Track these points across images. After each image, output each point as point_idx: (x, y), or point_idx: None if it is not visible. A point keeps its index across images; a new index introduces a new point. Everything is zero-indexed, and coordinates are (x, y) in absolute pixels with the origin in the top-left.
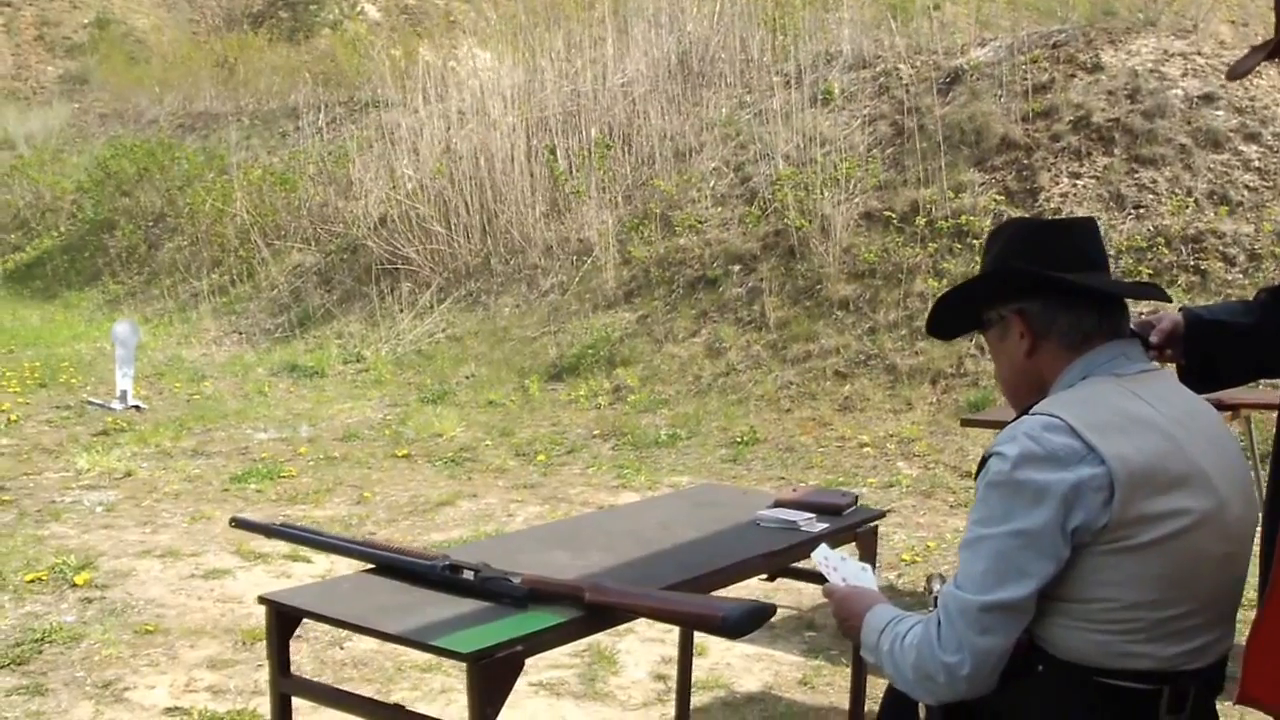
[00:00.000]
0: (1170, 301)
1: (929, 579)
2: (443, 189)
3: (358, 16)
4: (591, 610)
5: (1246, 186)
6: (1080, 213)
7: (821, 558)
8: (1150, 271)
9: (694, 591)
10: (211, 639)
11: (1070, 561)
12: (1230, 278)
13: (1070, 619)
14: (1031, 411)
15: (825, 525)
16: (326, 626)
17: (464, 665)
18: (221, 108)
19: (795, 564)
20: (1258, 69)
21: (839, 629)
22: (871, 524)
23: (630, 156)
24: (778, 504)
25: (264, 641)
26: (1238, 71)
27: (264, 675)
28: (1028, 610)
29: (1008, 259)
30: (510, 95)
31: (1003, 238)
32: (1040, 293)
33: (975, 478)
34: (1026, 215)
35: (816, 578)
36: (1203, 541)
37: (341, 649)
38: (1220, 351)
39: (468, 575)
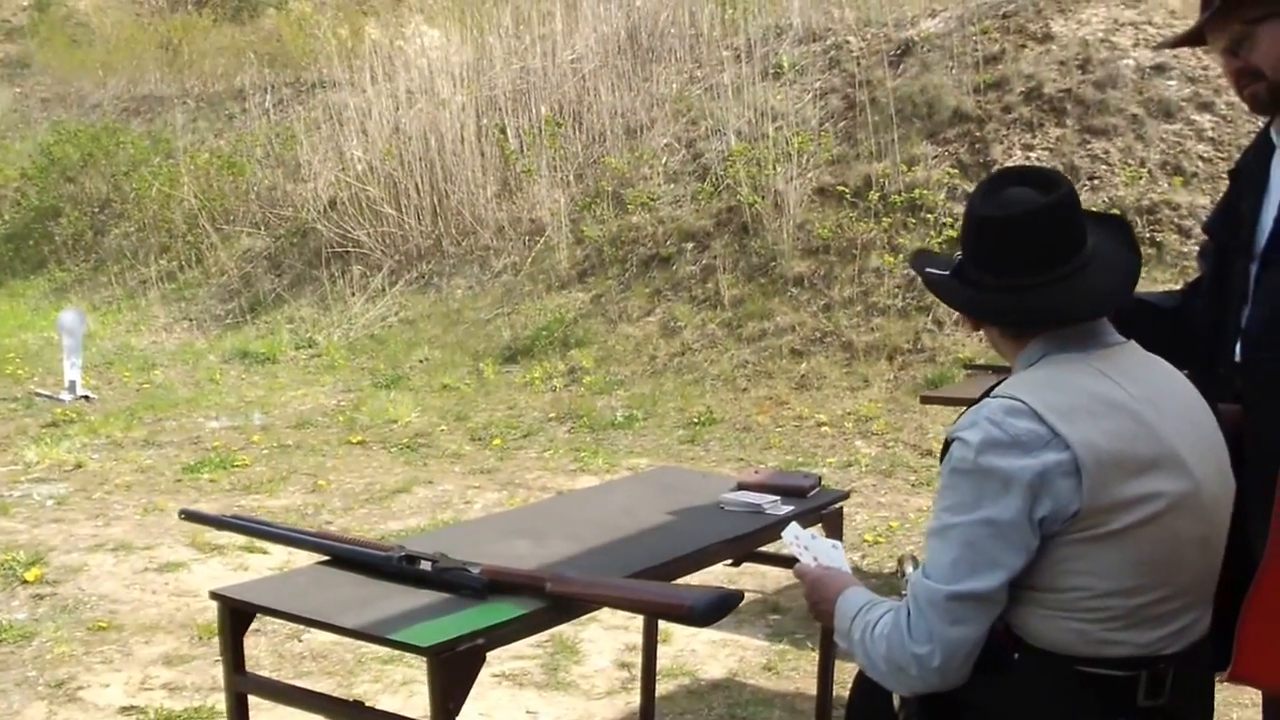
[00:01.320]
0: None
1: (900, 560)
2: (392, 170)
3: None
4: (554, 601)
5: (1200, 157)
6: None
7: (792, 537)
8: None
9: (660, 579)
10: (167, 634)
11: (1042, 550)
12: (1186, 249)
13: (1046, 608)
14: (994, 394)
15: (790, 508)
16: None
17: (424, 659)
18: (166, 90)
19: (761, 548)
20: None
21: (810, 612)
22: (836, 505)
23: (581, 134)
24: (741, 487)
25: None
26: (1165, 45)
27: (222, 671)
28: (999, 600)
29: (964, 267)
30: (459, 74)
31: (969, 234)
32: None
33: (940, 461)
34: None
35: (782, 561)
36: (1178, 525)
37: (300, 642)
38: (1139, 330)
39: (425, 566)
